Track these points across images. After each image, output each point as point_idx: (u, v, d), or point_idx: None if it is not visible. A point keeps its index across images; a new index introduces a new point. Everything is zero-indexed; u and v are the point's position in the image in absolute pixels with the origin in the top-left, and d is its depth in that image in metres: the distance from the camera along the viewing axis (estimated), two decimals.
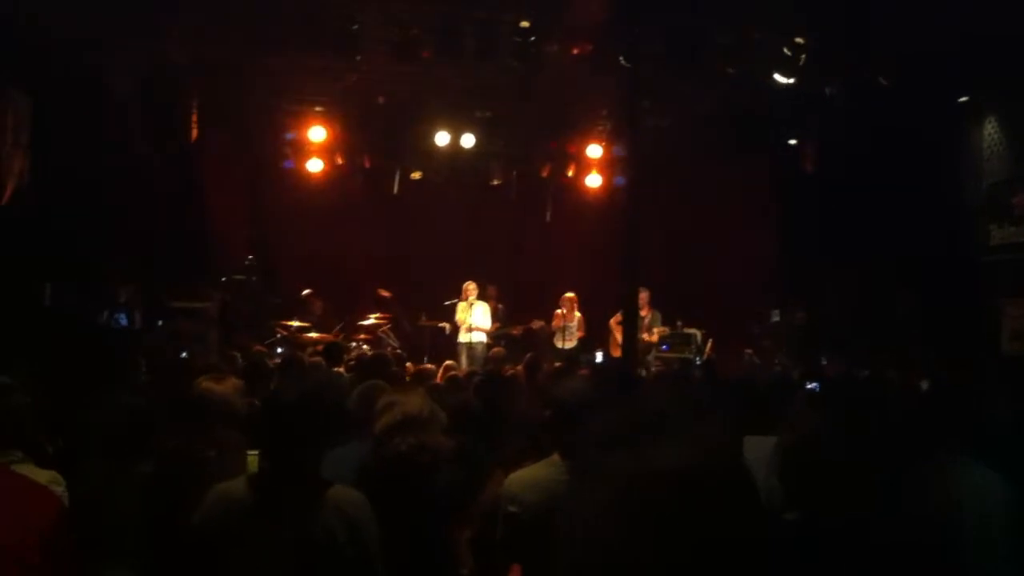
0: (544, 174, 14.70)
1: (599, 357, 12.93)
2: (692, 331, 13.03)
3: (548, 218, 14.98)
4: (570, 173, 14.71)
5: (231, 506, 3.03)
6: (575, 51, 10.69)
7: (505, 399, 5.56)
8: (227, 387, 4.10)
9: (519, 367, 9.15)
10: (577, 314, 13.56)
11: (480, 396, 5.63)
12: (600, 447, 1.31)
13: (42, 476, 3.45)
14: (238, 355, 9.31)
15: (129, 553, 3.64)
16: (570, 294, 13.54)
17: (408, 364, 9.58)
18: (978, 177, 11.19)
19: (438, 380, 7.38)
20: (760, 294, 13.79)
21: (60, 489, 3.46)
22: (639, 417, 1.32)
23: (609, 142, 14.11)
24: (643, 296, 11.96)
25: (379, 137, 13.88)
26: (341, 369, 8.20)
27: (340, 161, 14.19)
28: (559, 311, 13.54)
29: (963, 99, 11.24)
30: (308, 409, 3.16)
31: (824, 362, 11.24)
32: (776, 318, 13.19)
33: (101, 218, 10.52)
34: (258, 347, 10.34)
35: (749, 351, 12.64)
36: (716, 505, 1.20)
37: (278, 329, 12.79)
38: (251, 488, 3.07)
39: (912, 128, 11.14)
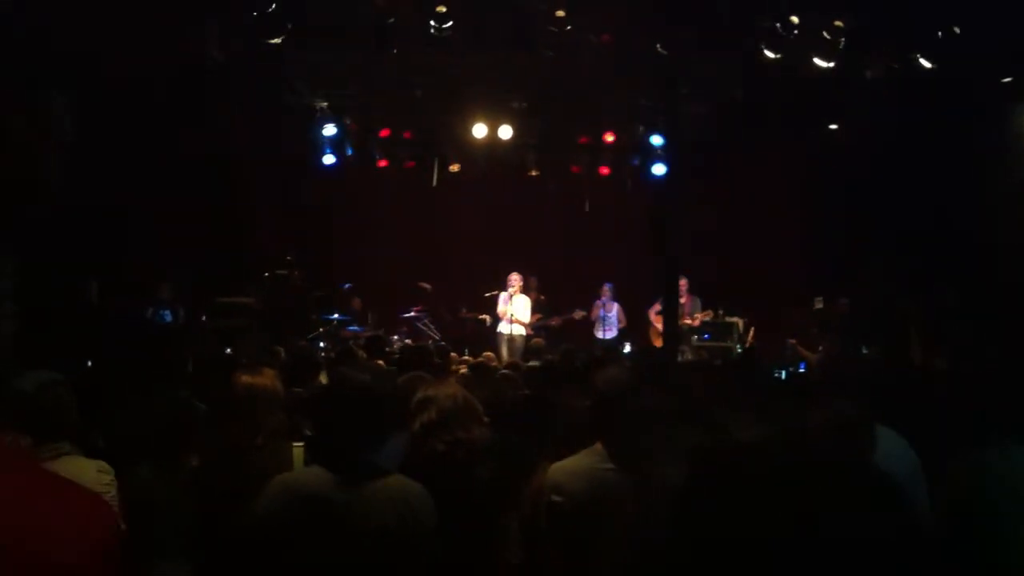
0: (581, 164, 14.61)
1: (627, 348, 12.84)
2: (734, 320, 12.91)
3: (587, 208, 14.90)
4: (608, 162, 14.60)
5: (296, 497, 2.99)
6: (611, 39, 10.62)
7: (554, 390, 5.53)
8: (266, 379, 4.13)
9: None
10: (616, 304, 13.54)
11: (530, 387, 5.61)
12: (659, 427, 1.32)
13: (90, 466, 3.49)
14: (281, 350, 9.39)
15: (180, 549, 3.67)
16: (609, 284, 13.52)
17: (452, 354, 9.60)
18: (1021, 158, 10.98)
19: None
20: (802, 282, 13.63)
21: (108, 478, 3.50)
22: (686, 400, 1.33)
23: (647, 130, 14.00)
24: (682, 283, 11.88)
25: (416, 130, 13.90)
26: (382, 362, 8.22)
27: (378, 155, 14.23)
28: (599, 301, 13.54)
29: (1006, 80, 11.01)
30: (372, 398, 3.15)
31: (866, 350, 11.09)
32: (819, 305, 13.01)
33: (144, 216, 10.65)
34: (302, 342, 10.42)
35: (792, 341, 12.46)
36: (792, 479, 1.21)
37: (320, 324, 12.88)
38: (315, 479, 3.04)
39: (954, 110, 10.95)
